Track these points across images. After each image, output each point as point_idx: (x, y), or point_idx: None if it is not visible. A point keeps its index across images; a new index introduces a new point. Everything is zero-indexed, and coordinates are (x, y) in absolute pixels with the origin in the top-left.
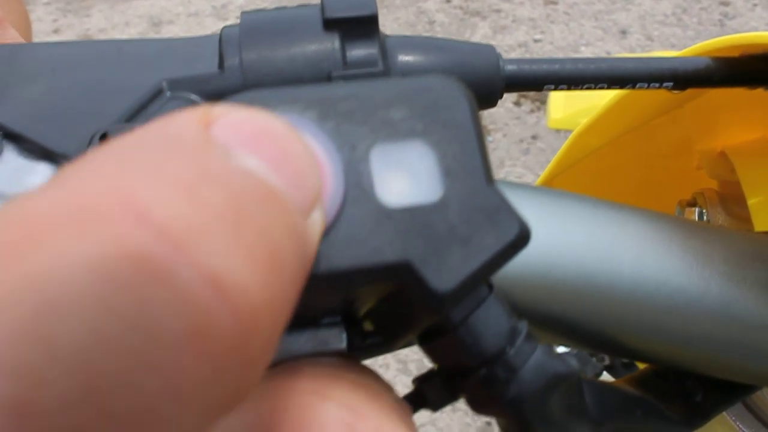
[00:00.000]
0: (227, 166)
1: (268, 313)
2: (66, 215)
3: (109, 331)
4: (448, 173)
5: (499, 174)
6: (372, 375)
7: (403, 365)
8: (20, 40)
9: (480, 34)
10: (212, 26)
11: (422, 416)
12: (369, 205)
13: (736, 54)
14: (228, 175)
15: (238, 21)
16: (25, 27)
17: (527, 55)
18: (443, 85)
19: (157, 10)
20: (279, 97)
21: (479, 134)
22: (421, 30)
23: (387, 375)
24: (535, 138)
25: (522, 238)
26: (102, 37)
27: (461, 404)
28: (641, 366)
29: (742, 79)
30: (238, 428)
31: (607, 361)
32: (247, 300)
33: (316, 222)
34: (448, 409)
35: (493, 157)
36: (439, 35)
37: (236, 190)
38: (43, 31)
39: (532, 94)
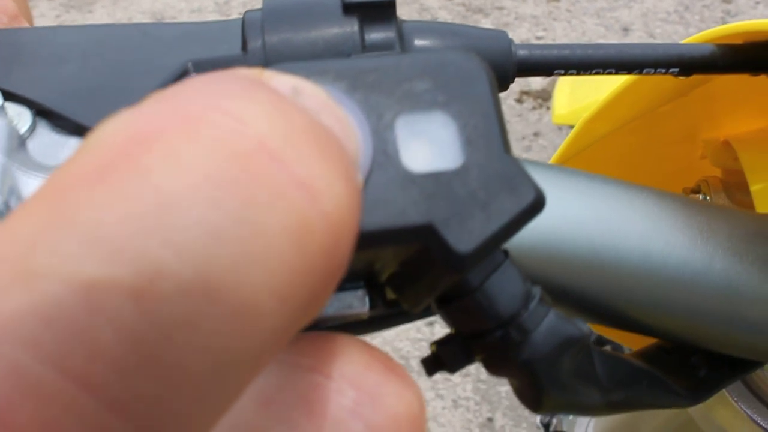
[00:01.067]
0: (296, 100)
1: (352, 222)
2: (171, 122)
3: (221, 224)
4: (468, 142)
5: None
6: (377, 353)
7: (406, 361)
8: None
9: None
10: None
11: None
12: (394, 170)
13: (739, 41)
14: (300, 107)
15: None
16: (29, 21)
17: None
18: (464, 59)
19: (160, 6)
20: (310, 69)
21: (497, 106)
22: None
23: None
24: (537, 135)
25: (538, 203)
26: None
27: (463, 401)
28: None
29: (745, 65)
30: (250, 403)
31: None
32: (337, 207)
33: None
34: (449, 405)
35: None
36: None
37: (312, 117)
38: None
39: (534, 91)
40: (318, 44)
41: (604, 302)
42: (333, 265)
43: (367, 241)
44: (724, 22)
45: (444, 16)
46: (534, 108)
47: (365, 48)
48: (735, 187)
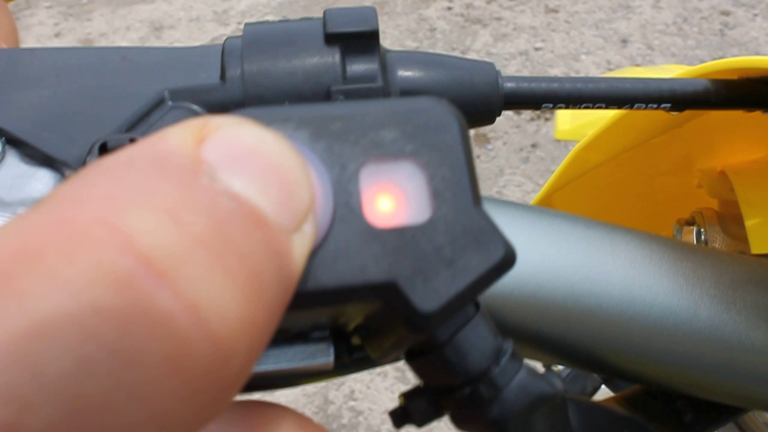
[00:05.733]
0: (213, 189)
1: (247, 337)
2: (55, 238)
3: (93, 356)
4: (436, 194)
5: (498, 182)
6: (310, 425)
7: (402, 374)
8: None
9: (481, 41)
10: (213, 31)
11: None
12: (357, 224)
13: (734, 77)
14: (212, 200)
15: (240, 27)
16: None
17: (528, 63)
18: (434, 106)
19: (159, 15)
20: (272, 116)
21: (468, 156)
22: (422, 37)
23: (385, 383)
24: (534, 146)
25: (507, 260)
26: (103, 41)
27: None
28: None
29: (740, 101)
30: None
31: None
32: (227, 326)
33: (306, 235)
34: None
35: (493, 166)
36: (440, 42)
37: (220, 215)
38: (44, 35)
39: None
40: (298, 74)
41: (585, 349)
42: (223, 383)
43: (326, 298)
44: (723, 34)
45: (442, 27)
46: (532, 119)
47: (346, 80)
48: (730, 219)
